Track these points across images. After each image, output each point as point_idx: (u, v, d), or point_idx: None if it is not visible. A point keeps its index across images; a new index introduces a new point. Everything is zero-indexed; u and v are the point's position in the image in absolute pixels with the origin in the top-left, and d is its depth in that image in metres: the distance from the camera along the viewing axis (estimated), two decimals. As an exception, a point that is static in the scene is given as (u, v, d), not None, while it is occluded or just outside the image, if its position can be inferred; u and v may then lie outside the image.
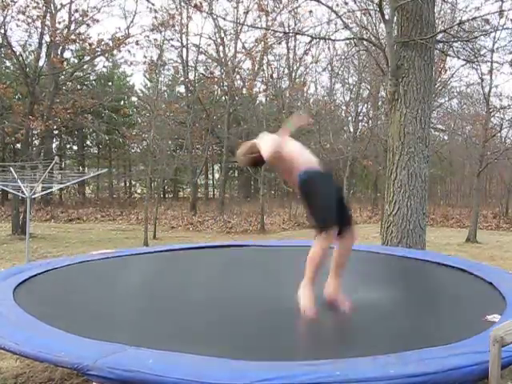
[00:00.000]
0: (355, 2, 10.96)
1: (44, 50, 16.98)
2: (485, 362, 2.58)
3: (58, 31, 15.70)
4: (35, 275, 5.07)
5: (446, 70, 16.93)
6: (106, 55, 18.12)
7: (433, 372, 2.49)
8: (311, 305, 3.57)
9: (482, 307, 3.83)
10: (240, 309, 4.18)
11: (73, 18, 16.65)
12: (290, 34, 17.33)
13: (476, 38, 10.49)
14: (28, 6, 14.63)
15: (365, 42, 11.09)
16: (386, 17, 8.13)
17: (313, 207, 3.66)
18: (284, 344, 3.29)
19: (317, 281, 3.67)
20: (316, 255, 3.55)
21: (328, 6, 9.56)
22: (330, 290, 3.80)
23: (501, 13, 9.33)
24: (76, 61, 19.89)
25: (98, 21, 16.11)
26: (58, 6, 16.99)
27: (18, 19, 14.96)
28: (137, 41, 15.94)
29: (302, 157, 3.75)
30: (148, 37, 16.65)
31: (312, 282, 3.59)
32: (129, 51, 16.57)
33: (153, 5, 15.91)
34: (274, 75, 24.57)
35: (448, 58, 15.31)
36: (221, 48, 24.05)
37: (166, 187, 33.23)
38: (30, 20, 15.11)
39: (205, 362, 2.70)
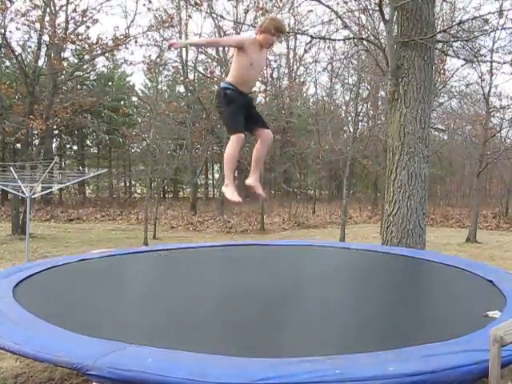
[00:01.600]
0: (355, 2, 10.97)
1: (43, 50, 16.98)
2: (484, 361, 2.58)
3: (58, 31, 15.69)
4: (35, 274, 5.07)
5: (445, 73, 16.92)
6: (106, 55, 18.11)
7: (432, 371, 2.49)
8: (235, 195, 4.34)
9: (481, 305, 3.83)
10: (240, 307, 4.19)
11: (71, 18, 16.63)
12: (290, 34, 17.32)
13: (476, 37, 10.49)
14: (28, 12, 14.64)
15: (365, 42, 11.08)
16: (386, 16, 8.13)
17: (223, 116, 4.47)
18: (284, 342, 3.29)
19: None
20: (228, 156, 4.27)
21: (328, 6, 9.56)
22: (249, 180, 4.53)
23: (500, 13, 9.33)
24: (76, 60, 19.86)
25: (97, 20, 16.11)
26: (58, 7, 17.01)
27: (18, 22, 14.97)
28: (136, 39, 15.93)
29: (241, 70, 4.25)
30: (147, 36, 16.67)
31: (230, 179, 4.38)
32: (127, 48, 16.53)
33: (149, 2, 15.85)
34: (274, 75, 24.63)
35: (448, 57, 15.32)
36: (220, 48, 24.03)
37: (166, 187, 33.22)
38: (29, 21, 15.10)
39: (205, 361, 2.70)
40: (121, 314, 3.98)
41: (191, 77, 25.81)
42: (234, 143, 4.21)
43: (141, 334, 3.32)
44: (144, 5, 16.58)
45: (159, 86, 20.71)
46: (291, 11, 15.01)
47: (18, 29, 15.47)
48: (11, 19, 14.88)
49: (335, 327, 3.66)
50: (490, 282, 4.67)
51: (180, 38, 23.77)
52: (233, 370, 2.55)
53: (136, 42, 15.99)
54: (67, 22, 16.81)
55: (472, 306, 4.01)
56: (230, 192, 4.33)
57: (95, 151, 34.10)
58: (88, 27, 16.02)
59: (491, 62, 14.49)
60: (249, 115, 4.38)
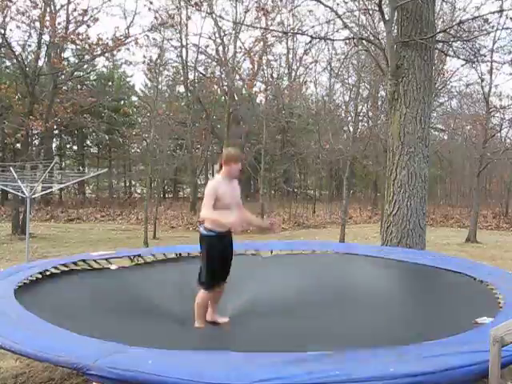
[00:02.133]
0: (355, 2, 10.97)
1: (43, 49, 16.98)
2: (484, 362, 2.58)
3: (58, 31, 15.69)
4: (35, 274, 5.06)
5: (444, 74, 16.92)
6: (106, 55, 18.10)
7: (432, 371, 2.49)
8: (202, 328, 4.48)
9: (481, 306, 3.83)
10: (242, 309, 4.20)
11: (71, 18, 16.63)
12: (290, 34, 17.33)
13: (476, 37, 10.46)
14: (27, 12, 14.64)
15: (364, 42, 11.07)
16: (386, 16, 8.12)
17: (203, 266, 4.52)
18: (283, 342, 3.29)
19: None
20: (199, 304, 4.47)
21: (328, 6, 9.55)
22: (210, 317, 4.67)
23: (500, 12, 9.32)
24: (76, 60, 19.87)
25: (97, 19, 16.11)
26: (58, 6, 17.01)
27: (18, 20, 14.97)
28: (136, 39, 15.93)
29: (215, 214, 4.37)
30: (148, 36, 16.67)
31: (203, 319, 4.52)
32: (128, 49, 16.55)
33: (151, 3, 15.87)
34: (274, 75, 24.62)
35: (448, 57, 15.32)
36: (220, 48, 24.06)
37: (166, 187, 33.22)
38: (29, 20, 15.12)
39: (204, 361, 2.70)
40: (121, 315, 3.98)
41: (191, 77, 25.82)
42: (206, 298, 4.50)
43: (141, 335, 3.32)
44: (145, 5, 16.59)
45: (159, 86, 20.67)
46: (291, 11, 15.01)
47: (18, 27, 15.52)
48: (11, 18, 14.91)
49: (336, 328, 3.66)
50: (490, 283, 4.67)
51: (180, 38, 23.82)
52: (232, 371, 2.55)
53: (136, 42, 16.00)
54: (68, 21, 16.81)
55: (472, 307, 4.01)
56: (201, 327, 4.48)
57: (95, 151, 34.11)
58: (88, 26, 16.04)
59: (491, 62, 14.50)
60: (227, 263, 4.58)
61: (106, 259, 6.17)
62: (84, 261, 5.97)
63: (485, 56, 12.97)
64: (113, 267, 6.08)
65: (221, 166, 4.55)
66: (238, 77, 22.74)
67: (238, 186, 4.72)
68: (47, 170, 9.89)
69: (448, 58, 15.30)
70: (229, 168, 4.50)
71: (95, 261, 6.02)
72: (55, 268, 5.48)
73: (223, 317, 4.72)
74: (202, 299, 4.49)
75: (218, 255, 4.46)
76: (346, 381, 2.42)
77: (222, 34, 23.09)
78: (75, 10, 16.27)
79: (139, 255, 6.55)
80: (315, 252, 7.14)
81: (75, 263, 5.80)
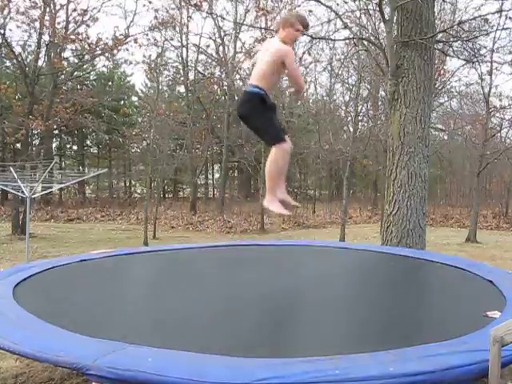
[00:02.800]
0: (355, 2, 10.96)
1: (43, 49, 16.98)
2: (484, 361, 2.58)
3: (57, 31, 15.70)
4: (35, 274, 5.06)
5: (445, 74, 16.92)
6: (106, 55, 18.11)
7: (432, 371, 2.49)
8: (281, 209, 4.28)
9: (481, 305, 3.83)
10: (239, 307, 4.19)
11: (71, 18, 16.64)
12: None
13: (476, 37, 10.47)
14: (27, 12, 14.64)
15: (364, 42, 11.08)
16: (386, 16, 8.12)
17: (260, 125, 4.34)
18: (283, 342, 3.29)
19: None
20: (276, 166, 4.26)
21: (328, 6, 9.56)
22: (281, 195, 4.37)
23: (500, 12, 9.32)
24: (76, 60, 19.88)
25: (97, 19, 16.12)
26: (58, 6, 17.01)
27: (18, 20, 14.98)
28: (136, 39, 15.93)
29: (274, 77, 4.22)
30: (147, 35, 16.67)
31: (275, 192, 4.27)
32: (127, 50, 16.57)
33: (150, 2, 15.88)
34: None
35: (448, 58, 15.31)
36: (220, 48, 24.07)
37: (166, 187, 33.22)
38: (29, 20, 15.12)
39: (204, 361, 2.70)
40: (120, 314, 3.97)
41: (191, 77, 25.81)
42: (284, 154, 4.20)
43: (141, 335, 3.32)
44: (144, 5, 16.62)
45: (159, 86, 20.66)
46: (291, 11, 14.98)
47: (18, 27, 15.53)
48: (11, 18, 14.92)
49: (335, 327, 3.65)
50: (490, 281, 4.67)
51: (181, 37, 23.83)
52: (232, 370, 2.55)
53: (136, 41, 16.00)
54: (67, 21, 16.82)
55: (472, 306, 4.01)
56: (276, 206, 4.24)
57: (95, 151, 34.12)
58: (88, 26, 16.06)
59: (491, 62, 14.51)
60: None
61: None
62: (84, 261, 5.97)
63: (485, 56, 13.02)
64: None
65: (278, 31, 4.20)
66: (238, 77, 22.75)
67: None
68: (47, 170, 9.89)
69: (448, 58, 15.30)
70: (290, 35, 4.16)
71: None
72: (55, 268, 5.48)
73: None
74: (279, 159, 4.22)
75: (272, 108, 4.26)
76: (345, 380, 2.42)
77: (223, 34, 23.14)
78: (75, 9, 16.28)
79: None
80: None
81: (75, 263, 5.81)
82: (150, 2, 16.15)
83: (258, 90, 4.10)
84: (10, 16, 14.87)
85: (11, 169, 9.43)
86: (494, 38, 14.32)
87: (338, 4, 10.43)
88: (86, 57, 17.87)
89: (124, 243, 14.20)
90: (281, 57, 4.05)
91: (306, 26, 4.26)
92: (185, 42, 24.49)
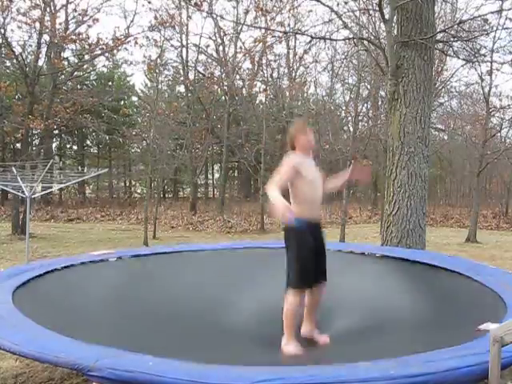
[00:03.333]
0: (355, 1, 10.97)
1: (43, 49, 16.98)
2: (484, 362, 2.58)
3: (58, 31, 15.69)
4: (34, 277, 5.04)
5: (443, 72, 16.94)
6: (106, 55, 18.11)
7: (433, 372, 2.49)
8: (298, 349, 3.70)
9: (482, 308, 3.82)
10: (239, 313, 4.19)
11: (71, 18, 16.64)
12: (290, 34, 17.33)
13: (476, 37, 10.47)
14: (28, 12, 14.64)
15: (365, 42, 11.09)
16: (386, 16, 8.12)
17: (292, 263, 3.85)
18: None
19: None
20: (288, 313, 3.76)
21: (328, 6, 9.56)
22: (305, 331, 4.04)
23: (500, 12, 9.32)
24: (76, 60, 19.87)
25: (97, 20, 16.11)
26: (58, 6, 17.02)
27: (19, 20, 14.98)
28: (136, 39, 15.92)
29: (308, 200, 3.89)
30: (148, 37, 16.67)
31: (290, 333, 3.77)
32: (126, 49, 16.53)
33: (149, 2, 15.89)
34: (274, 75, 24.60)
35: (448, 57, 15.32)
36: (220, 48, 24.07)
37: (166, 187, 33.22)
38: (30, 20, 15.11)
39: (204, 363, 2.70)
40: (120, 318, 3.97)
41: (191, 77, 25.80)
42: (296, 301, 3.80)
43: (141, 341, 3.31)
44: (143, 5, 16.62)
45: (159, 86, 20.64)
46: (291, 11, 15.00)
47: (19, 27, 15.51)
48: (11, 18, 14.92)
49: (334, 334, 3.66)
50: (490, 286, 4.65)
51: (181, 37, 23.82)
52: (232, 372, 2.55)
53: (136, 42, 16.00)
54: (67, 21, 16.81)
55: (473, 310, 3.99)
56: (293, 349, 3.72)
57: (95, 151, 34.12)
58: (89, 26, 16.05)
59: (491, 62, 14.49)
60: (319, 259, 3.96)
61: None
62: (84, 264, 5.95)
63: (485, 56, 12.99)
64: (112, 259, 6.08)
65: (292, 147, 4.04)
66: (238, 77, 22.76)
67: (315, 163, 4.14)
68: (45, 170, 9.83)
69: (448, 57, 15.31)
70: (299, 143, 3.98)
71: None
72: (55, 271, 5.46)
73: (324, 335, 4.01)
74: (290, 305, 3.77)
75: (306, 247, 3.81)
76: (346, 382, 2.42)
77: (223, 34, 23.12)
78: (75, 10, 16.27)
79: None
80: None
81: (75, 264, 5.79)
82: (149, 2, 16.17)
83: (292, 224, 3.69)
84: (11, 17, 14.87)
85: (13, 169, 9.41)
86: (494, 37, 14.32)
87: (338, 4, 10.43)
88: (86, 57, 17.85)
89: (124, 243, 14.19)
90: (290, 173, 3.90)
91: (305, 128, 4.10)
92: (185, 42, 24.50)
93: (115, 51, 16.93)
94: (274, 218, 3.88)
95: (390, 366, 2.60)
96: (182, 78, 26.17)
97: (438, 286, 5.18)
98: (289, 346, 3.71)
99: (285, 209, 3.49)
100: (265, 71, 23.84)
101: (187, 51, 24.94)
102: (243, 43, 23.83)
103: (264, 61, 22.27)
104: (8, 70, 22.22)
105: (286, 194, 3.77)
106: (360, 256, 6.74)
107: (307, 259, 3.79)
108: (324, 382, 2.42)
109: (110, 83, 30.10)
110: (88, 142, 33.69)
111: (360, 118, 20.14)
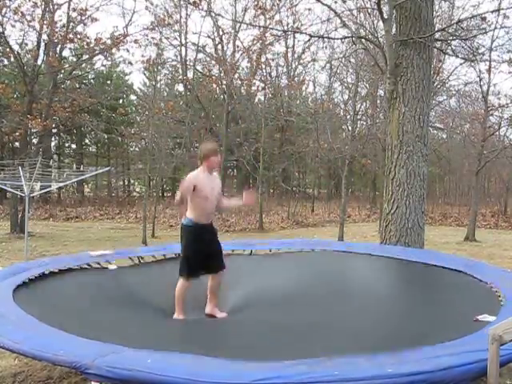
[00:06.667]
0: (353, 0, 10.96)
1: (42, 48, 16.93)
2: (483, 360, 2.58)
3: (56, 30, 15.65)
4: (34, 276, 5.04)
5: (442, 71, 16.94)
6: (105, 54, 18.07)
7: (431, 370, 2.49)
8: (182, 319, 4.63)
9: (480, 305, 3.83)
10: (239, 309, 4.20)
11: (70, 17, 16.58)
12: (289, 33, 17.31)
13: (474, 36, 10.48)
14: (27, 11, 14.62)
15: (363, 41, 11.07)
16: (385, 15, 8.12)
17: (182, 256, 4.81)
18: (282, 344, 3.29)
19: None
20: (178, 293, 4.67)
21: (326, 5, 9.55)
22: (207, 309, 4.88)
23: (498, 11, 9.33)
24: (75, 59, 19.84)
25: (96, 19, 16.06)
26: (57, 6, 16.95)
27: (17, 20, 14.93)
28: (135, 39, 15.89)
29: (199, 209, 4.66)
30: (147, 35, 16.61)
31: (181, 310, 4.66)
32: (127, 50, 16.51)
33: (149, 2, 15.88)
34: (273, 73, 24.61)
35: (446, 56, 15.31)
36: (219, 46, 24.04)
37: (165, 186, 33.17)
38: (29, 18, 15.08)
39: (203, 361, 2.70)
40: (119, 317, 3.97)
41: (190, 75, 25.78)
42: (184, 286, 4.66)
43: (140, 338, 3.31)
44: (146, 8, 16.61)
45: (158, 85, 20.63)
46: (290, 9, 15.00)
47: (13, 26, 15.44)
48: (9, 17, 14.87)
49: (333, 330, 3.66)
50: (488, 282, 4.67)
51: (179, 36, 23.80)
52: (231, 371, 2.55)
53: (135, 41, 15.95)
54: (67, 20, 16.76)
55: (471, 307, 4.00)
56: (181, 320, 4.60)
57: (94, 150, 34.06)
58: (85, 24, 16.00)
59: (490, 61, 14.51)
60: (209, 254, 4.73)
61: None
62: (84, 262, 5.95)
63: (483, 55, 13.01)
64: (112, 267, 6.08)
65: (201, 162, 4.79)
66: (236, 75, 22.73)
67: (218, 178, 5.00)
68: (36, 167, 9.77)
69: (446, 56, 15.31)
70: (208, 161, 4.72)
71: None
72: (54, 269, 5.47)
73: (222, 312, 4.80)
74: (179, 288, 4.64)
75: (195, 244, 4.64)
76: (344, 380, 2.42)
77: (221, 32, 23.10)
78: (74, 9, 16.23)
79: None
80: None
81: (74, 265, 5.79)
82: (147, 1, 16.14)
83: (185, 223, 4.72)
84: (9, 16, 14.82)
85: (20, 168, 9.39)
86: (493, 36, 14.34)
87: (336, 2, 10.40)
88: (85, 56, 17.81)
89: (123, 242, 14.18)
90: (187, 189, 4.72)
91: (216, 151, 4.86)
92: (183, 41, 24.47)
93: (114, 50, 16.87)
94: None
95: (387, 361, 2.61)
96: (180, 77, 26.14)
97: (435, 282, 5.20)
98: (178, 317, 4.59)
99: (181, 214, 4.80)
100: (263, 70, 23.84)
101: (186, 50, 24.91)
102: (242, 42, 23.85)
103: (263, 59, 22.25)
104: (6, 69, 22.19)
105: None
106: (358, 254, 6.78)
107: (192, 257, 4.66)
108: (322, 379, 2.42)
109: (109, 82, 30.03)
110: (87, 141, 33.63)
111: (359, 116, 20.13)
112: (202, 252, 4.65)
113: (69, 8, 16.33)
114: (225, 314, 4.77)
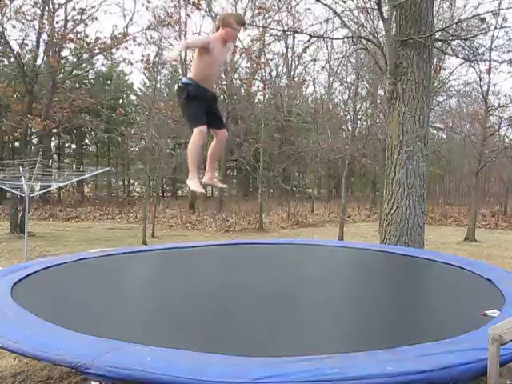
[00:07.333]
0: (353, 0, 10.96)
1: (42, 48, 16.95)
2: (483, 360, 2.58)
3: (56, 30, 15.66)
4: (33, 273, 5.05)
5: (440, 71, 16.92)
6: (105, 54, 18.07)
7: (430, 370, 2.49)
8: (199, 186, 4.49)
9: (480, 304, 3.83)
10: (238, 306, 4.19)
11: (69, 17, 16.59)
12: (288, 33, 17.31)
13: (474, 36, 10.46)
14: (28, 11, 14.63)
15: (363, 41, 11.07)
16: (385, 15, 8.12)
17: (186, 111, 4.53)
18: (282, 341, 3.28)
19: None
20: (191, 150, 4.40)
21: (326, 5, 9.54)
22: (206, 178, 4.76)
23: (498, 11, 9.32)
24: (75, 59, 19.83)
25: (96, 18, 16.08)
26: (57, 5, 16.96)
27: (17, 20, 14.94)
28: (134, 38, 15.90)
29: (203, 68, 4.34)
30: (146, 34, 16.62)
31: (195, 173, 4.46)
32: (126, 48, 16.47)
33: (148, 1, 15.86)
34: (273, 74, 24.61)
35: (446, 56, 15.31)
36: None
37: (165, 186, 33.19)
38: (29, 18, 15.09)
39: (203, 359, 2.69)
40: (119, 313, 3.97)
41: (190, 75, 25.75)
42: (196, 137, 4.33)
43: (139, 333, 3.31)
44: (143, 4, 16.57)
45: (158, 85, 20.64)
46: (289, 9, 14.98)
47: (20, 22, 15.44)
48: (9, 17, 14.87)
49: (333, 327, 3.65)
50: (489, 280, 4.67)
51: (179, 36, 23.77)
52: (231, 369, 2.54)
53: (134, 40, 15.96)
54: (66, 20, 16.77)
55: (471, 305, 4.01)
56: (195, 184, 4.46)
57: (94, 150, 34.06)
58: (86, 24, 16.01)
59: (490, 61, 14.51)
60: (209, 112, 4.49)
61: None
62: (83, 259, 5.97)
63: (483, 55, 13.00)
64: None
65: (217, 28, 4.41)
66: (236, 75, 22.73)
67: (228, 51, 4.72)
68: (36, 167, 9.78)
69: (447, 56, 15.31)
70: (226, 30, 4.32)
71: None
72: (53, 267, 5.47)
73: (222, 183, 4.85)
74: (192, 141, 4.37)
75: (196, 98, 4.35)
76: (343, 379, 2.42)
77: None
78: (74, 9, 16.24)
79: None
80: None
81: (74, 262, 5.80)
82: (148, 1, 16.12)
83: (186, 82, 4.39)
84: (9, 16, 14.82)
85: (20, 168, 9.39)
86: (493, 36, 14.32)
87: (336, 2, 10.39)
88: (85, 55, 17.82)
89: (123, 242, 14.19)
90: (203, 44, 4.32)
91: (242, 24, 4.50)
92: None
93: (114, 50, 16.88)
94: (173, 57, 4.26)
95: (387, 359, 2.61)
96: (180, 77, 26.15)
97: (436, 280, 5.21)
98: (192, 181, 4.44)
99: (182, 44, 4.36)
100: (263, 70, 23.84)
101: (186, 50, 24.91)
102: (241, 42, 23.81)
103: (262, 59, 22.24)
104: (6, 69, 22.18)
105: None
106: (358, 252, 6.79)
107: (198, 103, 4.35)
108: (323, 377, 2.42)
109: (109, 82, 30.03)
110: (87, 141, 33.62)
111: (359, 116, 20.15)
112: (203, 105, 4.39)
113: (66, 8, 16.37)
114: (225, 185, 4.64)
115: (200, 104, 4.38)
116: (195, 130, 4.32)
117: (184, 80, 4.42)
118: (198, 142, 4.34)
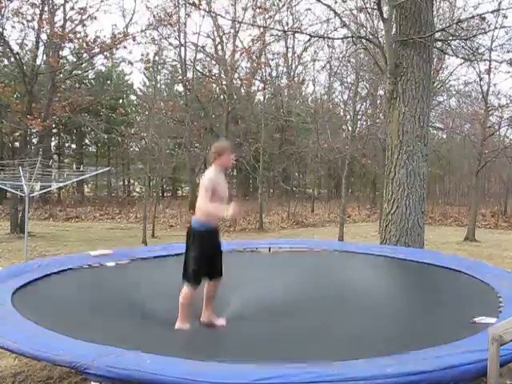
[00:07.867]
0: (353, 0, 10.95)
1: (41, 48, 16.94)
2: (483, 360, 2.58)
3: (56, 30, 15.65)
4: (33, 279, 5.02)
5: (440, 70, 16.92)
6: (105, 53, 18.06)
7: (430, 370, 2.49)
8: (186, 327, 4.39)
9: (479, 306, 3.82)
10: (239, 310, 4.19)
11: (68, 17, 16.58)
12: (289, 33, 17.31)
13: (474, 36, 10.46)
14: (27, 11, 14.63)
15: (363, 41, 11.07)
16: (385, 15, 8.12)
17: (189, 261, 4.52)
18: (283, 344, 3.29)
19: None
20: (183, 303, 4.40)
21: (326, 5, 9.55)
22: (204, 318, 4.66)
23: (498, 11, 9.32)
24: (74, 59, 19.82)
25: (95, 18, 16.07)
26: (56, 5, 16.96)
27: (16, 20, 14.94)
28: (134, 37, 15.87)
29: (212, 207, 4.43)
30: (145, 33, 16.60)
31: (184, 319, 4.40)
32: (125, 47, 16.44)
33: (148, 1, 15.87)
34: (273, 73, 24.61)
35: (446, 56, 15.30)
36: (219, 46, 24.03)
37: (165, 186, 33.18)
38: (28, 18, 15.09)
39: (202, 360, 2.69)
40: (119, 320, 3.96)
41: (190, 75, 25.78)
42: (189, 294, 4.42)
43: (139, 341, 3.30)
44: (142, 1, 16.56)
45: (158, 85, 20.62)
46: (289, 9, 14.99)
47: (19, 23, 15.44)
48: (8, 18, 14.87)
49: (332, 332, 3.65)
50: (488, 283, 4.66)
51: (179, 36, 23.78)
52: (230, 371, 2.54)
53: (134, 39, 15.94)
54: (65, 20, 16.76)
55: (470, 308, 4.00)
56: (181, 327, 4.39)
57: (94, 150, 34.05)
58: (84, 25, 16.00)
59: (490, 61, 14.50)
60: (214, 257, 4.58)
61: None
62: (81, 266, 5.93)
63: (483, 55, 12.99)
64: (110, 264, 6.09)
65: (213, 160, 4.60)
66: (236, 75, 22.73)
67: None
68: (36, 168, 9.77)
69: (447, 56, 15.30)
70: (221, 159, 4.56)
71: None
72: (53, 272, 5.45)
73: (220, 318, 4.61)
74: (186, 296, 4.41)
75: (207, 251, 4.47)
76: (343, 380, 2.42)
77: (221, 32, 23.09)
78: (73, 8, 16.24)
79: None
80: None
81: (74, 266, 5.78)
82: (148, 1, 16.13)
83: (197, 226, 4.54)
84: (7, 16, 14.83)
85: (20, 168, 9.38)
86: (492, 36, 14.34)
87: (336, 2, 10.39)
88: (85, 55, 17.80)
89: (123, 242, 14.17)
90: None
91: (228, 152, 4.65)
92: (183, 41, 24.46)
93: (114, 50, 16.86)
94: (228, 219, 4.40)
95: (387, 363, 2.60)
96: (180, 77, 26.14)
97: (435, 283, 5.20)
98: (180, 325, 4.35)
99: (235, 210, 4.34)
100: (263, 70, 23.83)
101: (185, 50, 24.88)
102: (242, 42, 23.83)
103: (263, 59, 22.24)
104: (6, 69, 22.18)
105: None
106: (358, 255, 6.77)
107: (204, 263, 4.45)
108: (323, 379, 2.42)
109: (109, 82, 30.02)
110: (87, 141, 33.61)
111: (359, 116, 20.14)
112: (210, 258, 4.51)
113: (64, 9, 16.37)
114: (224, 321, 4.56)
115: (207, 258, 4.47)
116: (189, 288, 4.41)
117: (195, 225, 4.57)
118: (190, 298, 4.42)
